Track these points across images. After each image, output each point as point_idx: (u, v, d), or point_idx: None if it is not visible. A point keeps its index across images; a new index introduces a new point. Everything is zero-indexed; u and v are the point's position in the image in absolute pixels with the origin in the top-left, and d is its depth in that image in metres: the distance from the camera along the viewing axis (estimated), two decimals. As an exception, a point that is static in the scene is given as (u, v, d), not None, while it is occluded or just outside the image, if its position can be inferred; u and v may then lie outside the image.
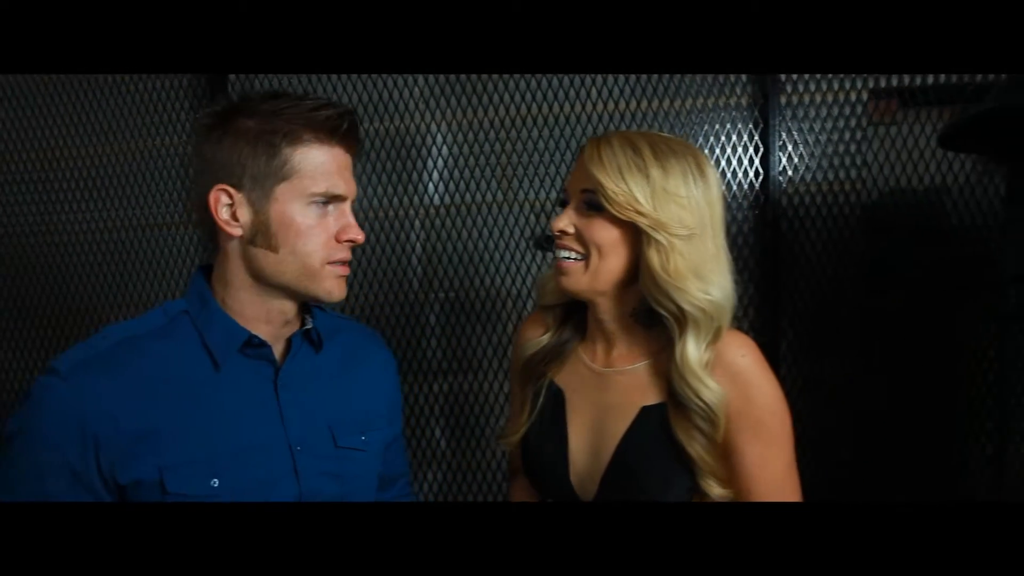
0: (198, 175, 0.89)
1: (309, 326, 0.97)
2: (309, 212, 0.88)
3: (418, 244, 1.97)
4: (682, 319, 0.92)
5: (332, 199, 0.89)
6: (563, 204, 1.00)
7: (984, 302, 1.67)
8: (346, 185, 0.91)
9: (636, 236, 0.94)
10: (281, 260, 0.88)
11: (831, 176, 1.83)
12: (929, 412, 1.80)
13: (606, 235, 0.94)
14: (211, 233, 0.92)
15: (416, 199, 1.95)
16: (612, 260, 0.95)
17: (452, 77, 1.91)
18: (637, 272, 0.95)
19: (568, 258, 0.97)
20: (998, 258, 1.27)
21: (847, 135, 1.82)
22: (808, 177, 1.84)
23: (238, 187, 0.87)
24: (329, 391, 0.98)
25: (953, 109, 1.78)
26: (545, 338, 1.08)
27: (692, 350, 0.93)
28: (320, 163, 0.87)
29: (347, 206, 0.92)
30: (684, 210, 0.92)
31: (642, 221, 0.91)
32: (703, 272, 0.93)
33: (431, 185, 1.95)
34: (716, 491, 0.93)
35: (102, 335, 0.87)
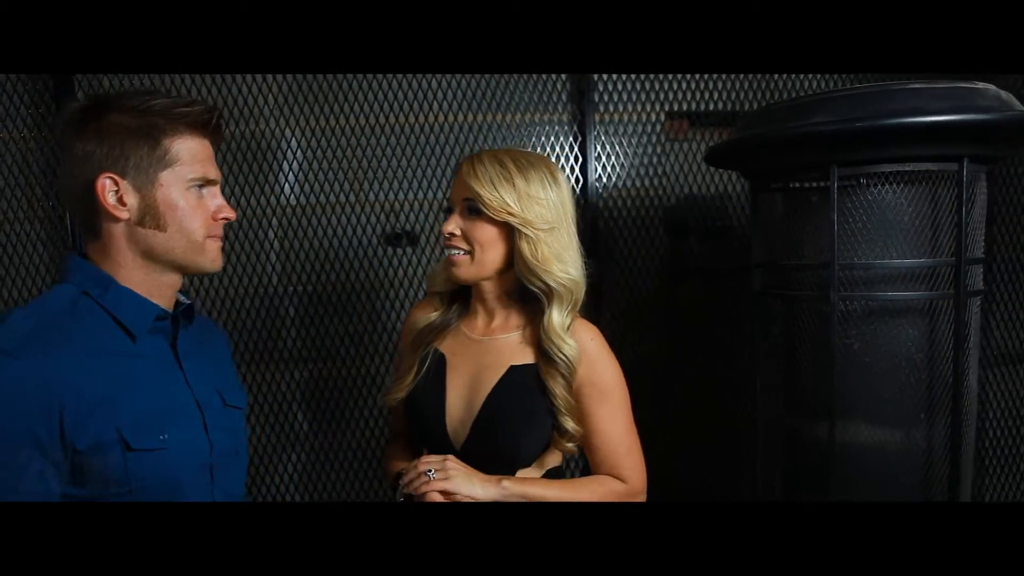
0: (76, 166, 0.97)
1: (189, 301, 1.10)
2: (189, 195, 1.00)
3: (275, 241, 2.10)
4: (549, 294, 1.17)
5: (207, 183, 1.02)
6: (449, 211, 1.22)
7: (744, 284, 2.09)
8: (216, 172, 1.04)
9: (509, 232, 1.17)
10: (170, 237, 0.99)
11: (638, 183, 2.18)
12: (716, 373, 2.22)
13: (486, 234, 1.17)
14: (89, 220, 0.99)
15: (273, 199, 2.08)
16: (492, 252, 1.18)
17: (306, 85, 2.06)
18: (511, 260, 1.19)
19: (457, 253, 1.20)
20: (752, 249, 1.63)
21: (649, 149, 2.18)
22: (619, 184, 2.17)
23: (122, 175, 0.96)
24: (206, 361, 1.10)
25: (730, 130, 2.19)
26: (434, 316, 1.30)
27: (557, 316, 1.18)
28: (195, 152, 1.00)
29: (218, 189, 1.05)
30: (544, 209, 1.16)
31: (513, 220, 1.14)
32: (563, 256, 1.18)
33: (287, 186, 2.09)
34: (571, 425, 1.19)
35: (16, 318, 0.92)
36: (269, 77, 2.05)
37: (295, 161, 2.08)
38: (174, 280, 1.05)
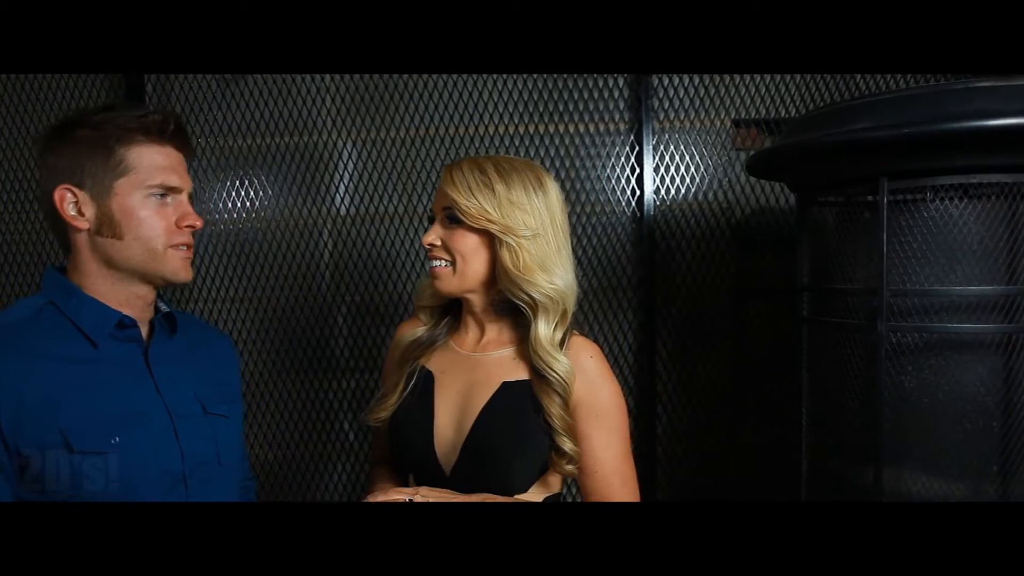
0: (44, 182, 1.01)
1: (167, 310, 1.11)
2: (148, 203, 1.01)
3: (327, 251, 2.12)
4: (534, 306, 1.10)
5: (168, 190, 1.02)
6: (432, 221, 1.18)
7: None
8: (180, 179, 1.04)
9: (491, 241, 1.11)
10: (127, 246, 1.00)
11: (699, 197, 2.04)
12: (781, 407, 2.03)
13: (466, 243, 1.11)
14: (60, 234, 1.04)
15: (325, 209, 2.10)
16: (474, 263, 1.12)
17: (359, 97, 2.07)
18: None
19: (439, 265, 1.15)
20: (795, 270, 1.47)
21: (713, 159, 2.03)
22: (679, 197, 2.04)
23: (80, 186, 0.99)
24: (190, 369, 1.10)
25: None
26: (420, 331, 1.24)
27: (543, 330, 1.11)
28: (153, 159, 1.01)
29: (184, 197, 1.05)
30: (527, 215, 1.10)
31: (493, 228, 1.08)
32: (547, 265, 1.11)
33: (339, 196, 2.10)
34: (568, 446, 1.11)
35: None
36: (324, 88, 2.07)
37: (347, 172, 2.09)
38: (145, 291, 1.06)
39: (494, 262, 1.13)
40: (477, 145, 2.06)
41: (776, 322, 2.03)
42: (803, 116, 1.29)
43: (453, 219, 1.11)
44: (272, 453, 2.16)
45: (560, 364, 1.11)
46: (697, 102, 2.03)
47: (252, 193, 2.10)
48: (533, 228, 1.10)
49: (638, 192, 2.02)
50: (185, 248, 1.05)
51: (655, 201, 2.02)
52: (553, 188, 1.15)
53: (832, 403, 1.31)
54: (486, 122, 2.05)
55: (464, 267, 1.13)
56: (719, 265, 2.05)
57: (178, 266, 1.05)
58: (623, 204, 2.04)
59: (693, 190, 2.04)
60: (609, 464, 1.14)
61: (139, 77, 2.05)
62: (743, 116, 2.03)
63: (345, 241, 2.10)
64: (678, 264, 2.05)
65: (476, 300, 1.17)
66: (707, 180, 2.04)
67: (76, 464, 0.93)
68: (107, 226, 1.00)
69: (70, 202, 1.00)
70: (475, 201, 1.08)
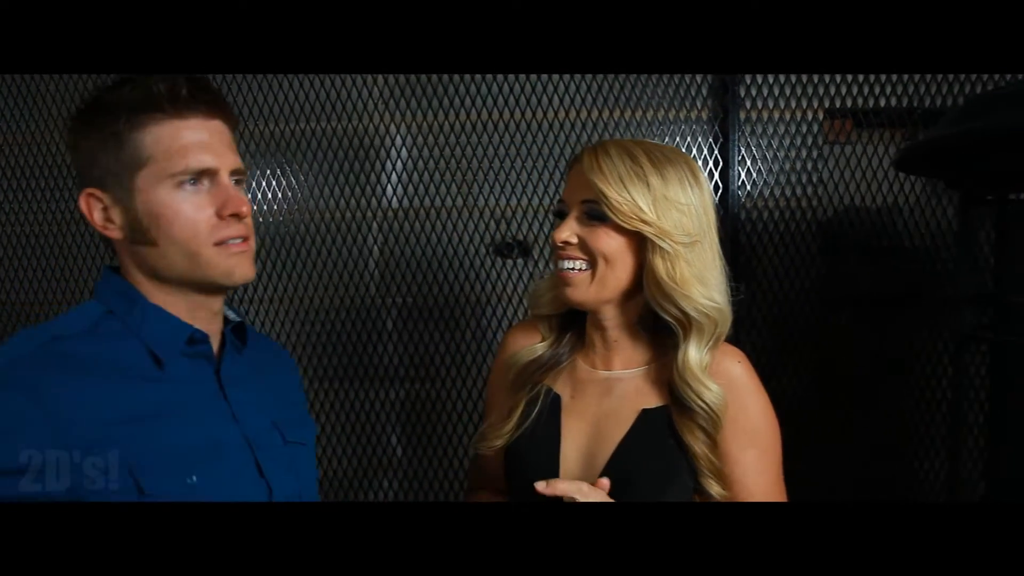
0: (75, 184, 0.86)
1: (238, 319, 0.93)
2: (178, 195, 0.80)
3: (375, 248, 1.93)
4: (687, 324, 0.94)
5: (200, 174, 0.81)
6: (560, 215, 0.99)
7: (931, 319, 1.72)
8: (215, 156, 0.82)
9: (639, 244, 0.94)
10: (164, 253, 0.81)
11: (788, 192, 1.86)
12: (883, 428, 1.85)
13: (612, 244, 0.94)
14: (106, 240, 0.87)
15: (374, 202, 1.91)
16: (619, 269, 0.95)
17: (412, 78, 1.88)
18: (640, 280, 0.96)
19: (573, 268, 0.97)
20: (952, 278, 1.29)
21: (803, 152, 1.85)
22: (766, 192, 1.86)
23: (102, 187, 0.81)
24: (263, 389, 0.93)
25: (904, 131, 1.83)
26: (540, 347, 1.06)
27: (694, 354, 0.94)
28: (173, 139, 0.80)
29: (224, 177, 0.83)
30: (685, 216, 0.93)
31: (647, 230, 0.92)
32: (706, 278, 0.94)
33: (389, 188, 1.91)
34: (716, 489, 0.95)
35: (20, 338, 0.78)
36: (375, 68, 1.87)
37: (398, 161, 1.90)
38: (208, 300, 0.86)
39: (639, 269, 0.95)
40: (545, 133, 1.87)
41: (870, 333, 1.86)
42: (976, 99, 1.11)
43: (596, 215, 0.94)
44: (312, 469, 1.97)
45: (711, 393, 0.94)
46: (788, 90, 1.84)
47: (294, 183, 1.90)
48: (691, 233, 0.93)
49: (721, 188, 1.84)
50: (239, 241, 0.84)
51: (741, 199, 1.84)
52: (707, 185, 0.98)
53: (993, 431, 1.13)
54: (556, 107, 1.86)
55: (606, 273, 0.95)
56: (809, 269, 1.87)
57: (230, 266, 0.83)
58: (704, 200, 1.86)
59: (784, 187, 1.86)
60: (760, 492, 0.97)
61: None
62: (838, 106, 1.85)
63: (396, 237, 1.91)
64: (765, 269, 1.87)
65: (610, 313, 1.00)
66: (799, 176, 1.86)
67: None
68: (139, 232, 0.81)
69: (97, 209, 0.82)
70: (627, 196, 0.91)
